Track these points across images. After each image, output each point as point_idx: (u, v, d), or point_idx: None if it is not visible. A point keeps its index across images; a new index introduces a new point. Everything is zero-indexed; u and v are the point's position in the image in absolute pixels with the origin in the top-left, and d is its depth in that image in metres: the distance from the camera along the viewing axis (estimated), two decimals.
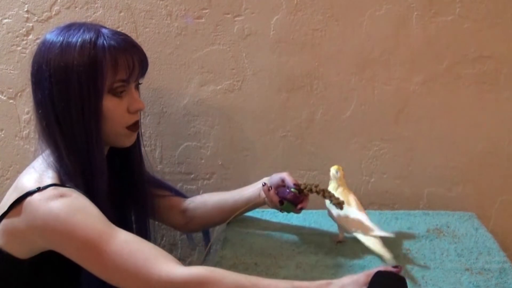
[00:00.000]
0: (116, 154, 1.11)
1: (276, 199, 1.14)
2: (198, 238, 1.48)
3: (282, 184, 1.16)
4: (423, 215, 1.31)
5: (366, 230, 1.10)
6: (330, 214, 1.17)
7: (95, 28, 0.98)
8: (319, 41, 1.33)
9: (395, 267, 0.87)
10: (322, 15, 1.32)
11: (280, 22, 1.33)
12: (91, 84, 0.95)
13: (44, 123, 0.97)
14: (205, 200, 1.26)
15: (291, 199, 1.13)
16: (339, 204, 1.11)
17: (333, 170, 1.18)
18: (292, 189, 1.13)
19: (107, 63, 0.96)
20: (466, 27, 1.30)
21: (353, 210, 1.13)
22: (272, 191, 1.15)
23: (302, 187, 1.14)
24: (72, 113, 0.95)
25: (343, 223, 1.14)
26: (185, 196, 1.29)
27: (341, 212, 1.13)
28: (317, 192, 1.13)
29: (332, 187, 1.17)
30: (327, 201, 1.14)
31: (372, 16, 1.31)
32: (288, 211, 1.17)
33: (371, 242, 1.08)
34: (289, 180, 1.15)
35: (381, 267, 0.86)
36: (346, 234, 1.17)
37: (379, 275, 0.84)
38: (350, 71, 1.35)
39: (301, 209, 1.15)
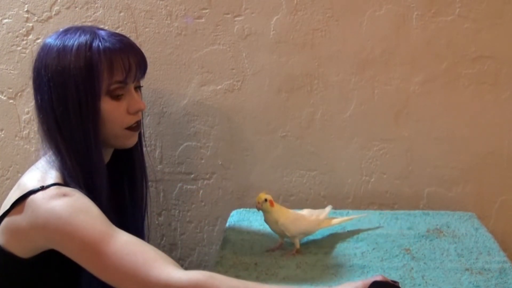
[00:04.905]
0: (118, 155, 1.12)
1: None
2: (198, 238, 1.48)
3: None
4: (423, 215, 1.31)
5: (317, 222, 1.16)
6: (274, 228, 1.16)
7: (92, 31, 0.98)
8: (319, 41, 1.33)
9: (393, 281, 0.87)
10: (322, 15, 1.32)
11: (280, 22, 1.33)
12: (88, 87, 0.95)
13: (45, 126, 0.98)
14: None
15: None
16: None
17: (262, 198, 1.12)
18: None
19: (103, 65, 0.96)
20: (466, 27, 1.30)
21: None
22: None
23: None
24: (70, 116, 0.96)
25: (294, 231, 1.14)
26: None
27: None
28: None
29: (273, 220, 1.13)
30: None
31: (372, 16, 1.31)
32: None
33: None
34: None
35: (378, 277, 0.86)
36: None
37: (375, 285, 0.84)
38: (350, 71, 1.35)
39: None
